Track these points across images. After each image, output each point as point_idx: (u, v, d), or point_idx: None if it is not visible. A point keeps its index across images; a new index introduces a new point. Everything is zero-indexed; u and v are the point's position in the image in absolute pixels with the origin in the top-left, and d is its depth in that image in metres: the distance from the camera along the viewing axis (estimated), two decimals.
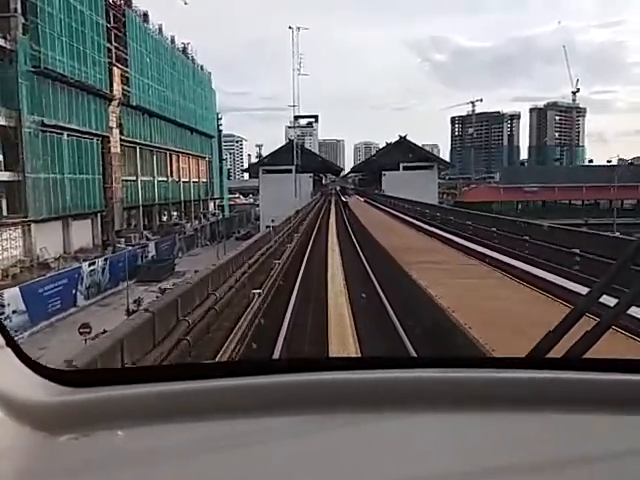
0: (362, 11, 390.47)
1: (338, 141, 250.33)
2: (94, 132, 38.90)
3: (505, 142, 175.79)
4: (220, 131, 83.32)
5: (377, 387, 0.89)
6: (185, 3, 72.58)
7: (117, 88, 42.20)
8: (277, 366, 1.06)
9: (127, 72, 43.99)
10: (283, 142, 72.49)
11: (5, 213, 30.77)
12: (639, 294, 1.16)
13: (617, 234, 21.26)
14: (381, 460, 0.77)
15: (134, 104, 45.27)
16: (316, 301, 11.49)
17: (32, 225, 31.22)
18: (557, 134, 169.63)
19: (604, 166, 75.82)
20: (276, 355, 8.07)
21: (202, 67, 67.95)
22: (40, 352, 14.97)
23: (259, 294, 10.99)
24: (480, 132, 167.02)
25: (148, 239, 44.16)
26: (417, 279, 9.99)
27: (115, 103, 42.01)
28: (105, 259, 27.24)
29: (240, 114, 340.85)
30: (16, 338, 0.92)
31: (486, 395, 0.88)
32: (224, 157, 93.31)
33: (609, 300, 1.21)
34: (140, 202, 47.69)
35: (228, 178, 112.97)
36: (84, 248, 37.46)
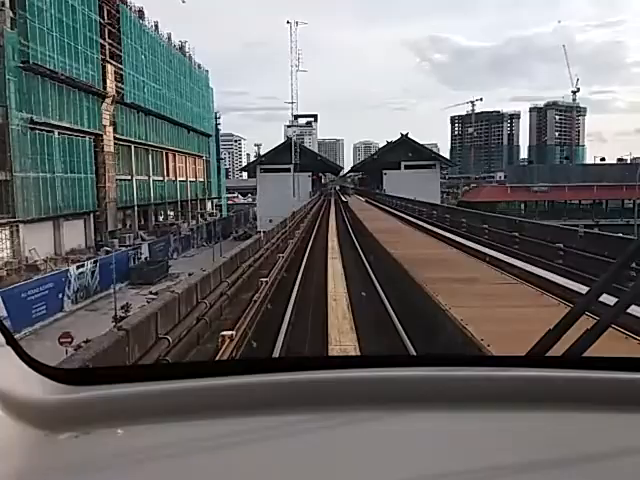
0: (361, 11, 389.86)
1: (337, 140, 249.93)
2: (86, 130, 37.92)
3: (505, 142, 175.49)
4: (218, 130, 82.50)
5: (376, 386, 0.90)
6: (183, 1, 71.71)
7: (111, 85, 41.21)
8: (277, 365, 1.06)
9: (121, 69, 42.98)
10: (282, 142, 70.75)
11: None
12: (639, 293, 1.15)
13: None
14: (380, 458, 0.77)
15: (128, 102, 44.27)
16: (312, 344, 8.31)
17: (20, 226, 30.25)
18: (557, 134, 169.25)
19: (616, 164, 73.89)
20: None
21: (199, 65, 67.07)
22: None
23: (230, 337, 7.38)
24: (480, 131, 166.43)
25: (143, 239, 43.18)
26: (447, 308, 7.29)
27: (108, 100, 41.00)
28: (95, 261, 26.24)
29: (239, 114, 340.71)
30: None
31: (486, 393, 0.88)
32: (222, 156, 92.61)
33: (609, 299, 1.20)
34: (135, 202, 46.73)
35: (227, 177, 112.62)
36: (76, 249, 36.51)
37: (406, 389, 0.89)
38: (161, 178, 53.56)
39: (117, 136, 43.10)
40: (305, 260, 16.68)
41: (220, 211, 72.56)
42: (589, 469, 0.76)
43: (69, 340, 14.74)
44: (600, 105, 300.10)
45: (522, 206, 68.64)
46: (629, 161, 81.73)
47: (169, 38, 57.42)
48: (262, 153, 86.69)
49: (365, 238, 20.10)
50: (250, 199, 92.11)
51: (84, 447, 0.81)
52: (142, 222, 49.79)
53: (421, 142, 71.14)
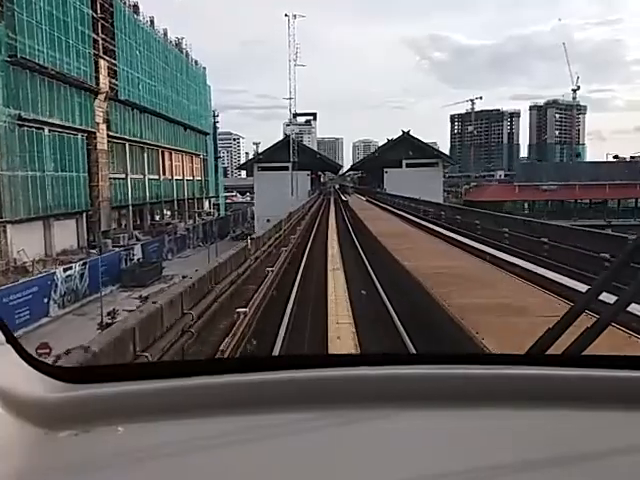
0: (361, 9, 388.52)
1: (337, 139, 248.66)
2: (78, 127, 36.77)
3: (505, 140, 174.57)
4: (216, 128, 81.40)
5: (377, 384, 0.90)
6: None
7: (104, 81, 40.04)
8: (278, 363, 1.06)
9: (115, 65, 41.83)
10: (280, 139, 69.25)
11: None
12: (639, 291, 1.15)
13: None
14: (381, 456, 0.78)
15: (122, 98, 43.13)
16: None
17: (8, 226, 29.14)
18: (557, 132, 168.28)
19: (629, 162, 71.41)
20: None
21: (196, 62, 65.93)
22: None
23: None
24: (480, 130, 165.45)
25: (138, 239, 42.10)
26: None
27: (101, 97, 39.84)
28: (84, 263, 25.12)
29: (238, 112, 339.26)
30: None
31: (485, 392, 0.88)
32: (220, 155, 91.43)
33: (609, 297, 1.20)
34: (130, 201, 45.64)
35: (225, 176, 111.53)
36: (68, 250, 35.41)
37: (407, 387, 0.89)
38: (157, 177, 52.47)
39: (111, 134, 41.96)
40: (300, 275, 13.93)
41: (218, 210, 71.51)
42: (589, 467, 0.76)
43: (47, 351, 13.66)
44: (599, 103, 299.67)
45: (525, 205, 66.60)
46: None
47: (165, 34, 56.26)
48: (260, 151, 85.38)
49: (370, 243, 17.82)
50: (249, 198, 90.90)
51: (84, 445, 0.81)
52: (138, 222, 48.77)
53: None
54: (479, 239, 16.34)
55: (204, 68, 68.78)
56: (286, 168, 61.88)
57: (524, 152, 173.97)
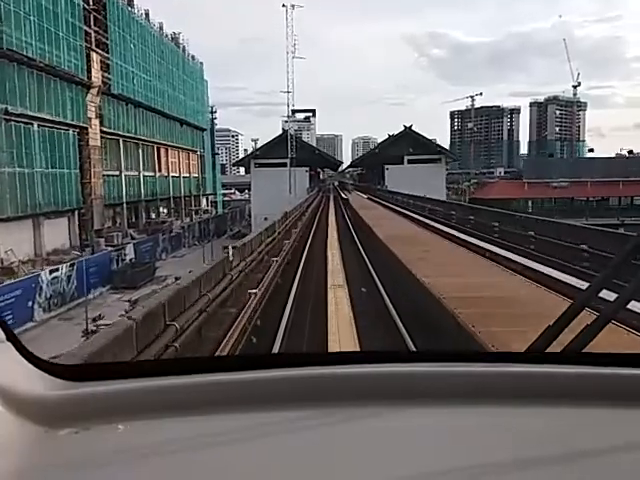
0: (359, 6, 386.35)
1: (336, 136, 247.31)
2: (69, 122, 35.51)
3: (505, 137, 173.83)
4: (214, 124, 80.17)
5: (376, 381, 0.90)
6: None
7: (96, 75, 38.80)
8: (277, 360, 1.07)
9: (108, 58, 40.61)
10: (278, 134, 67.59)
11: None
12: (639, 288, 1.16)
13: None
14: (380, 455, 0.78)
15: (116, 93, 41.91)
16: None
17: None
18: (558, 128, 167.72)
19: None
20: None
21: (193, 57, 64.69)
22: None
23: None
24: (480, 127, 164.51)
25: (133, 238, 41.00)
26: None
27: (94, 91, 38.61)
28: (71, 264, 23.97)
29: (237, 109, 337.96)
30: None
31: (485, 389, 0.89)
32: (218, 152, 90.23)
33: (609, 294, 1.19)
34: (124, 199, 44.50)
35: (223, 173, 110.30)
36: (59, 249, 34.28)
37: (406, 385, 0.89)
38: (152, 174, 51.27)
39: (104, 129, 40.72)
40: (292, 299, 11.15)
41: (215, 208, 70.40)
42: (589, 465, 0.76)
43: None
44: (599, 100, 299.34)
45: (529, 203, 63.55)
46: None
47: (161, 28, 55.03)
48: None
49: (377, 250, 15.35)
50: (247, 195, 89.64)
51: (84, 443, 0.82)
52: (134, 219, 47.70)
53: None
54: (503, 245, 14.37)
55: (201, 63, 67.55)
56: (284, 164, 60.28)
57: (524, 149, 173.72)
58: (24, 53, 30.09)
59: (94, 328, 16.28)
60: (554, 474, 0.75)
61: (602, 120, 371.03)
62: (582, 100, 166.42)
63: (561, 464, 0.76)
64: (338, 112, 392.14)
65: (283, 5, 66.78)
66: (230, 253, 11.18)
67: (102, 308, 23.11)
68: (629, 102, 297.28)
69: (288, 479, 0.75)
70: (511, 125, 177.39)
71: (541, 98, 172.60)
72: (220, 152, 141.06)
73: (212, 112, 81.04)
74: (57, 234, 34.35)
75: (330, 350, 6.43)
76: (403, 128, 64.47)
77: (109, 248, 33.87)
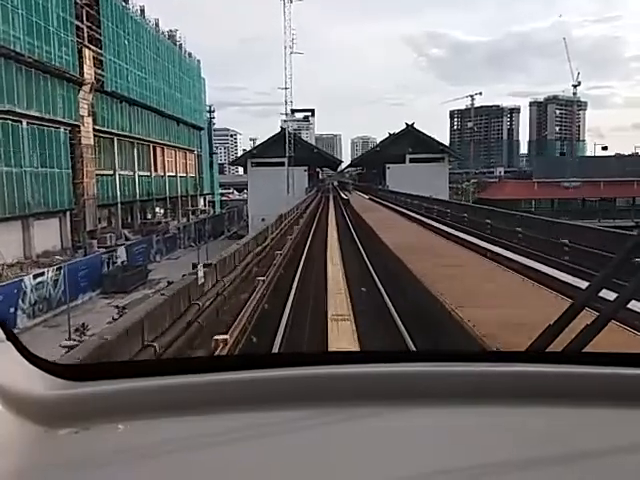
0: (358, 6, 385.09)
1: (335, 136, 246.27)
2: (61, 120, 34.40)
3: (505, 136, 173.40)
4: (211, 123, 79.09)
5: (376, 381, 0.91)
6: None
7: (89, 72, 37.66)
8: (276, 360, 1.08)
9: (101, 54, 39.48)
10: (276, 132, 65.43)
11: None
12: (638, 288, 1.15)
13: None
14: (380, 454, 0.78)
15: (109, 90, 40.79)
16: None
17: None
18: (557, 128, 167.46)
19: None
20: None
21: (190, 54, 63.57)
22: None
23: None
24: (479, 126, 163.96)
25: (127, 239, 39.95)
26: None
27: (86, 88, 37.46)
28: (58, 268, 22.86)
29: (236, 109, 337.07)
30: None
31: (485, 389, 0.89)
32: (216, 151, 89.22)
33: (609, 294, 1.18)
34: (119, 199, 43.41)
35: (222, 173, 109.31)
36: (50, 251, 33.19)
37: (405, 385, 0.89)
38: (148, 173, 50.18)
39: (97, 127, 39.61)
40: (280, 339, 8.36)
41: (213, 208, 69.37)
42: (591, 465, 0.76)
43: None
44: (598, 100, 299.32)
45: (532, 204, 60.08)
46: None
47: (157, 24, 53.93)
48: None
49: (387, 264, 12.94)
50: (246, 195, 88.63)
51: (84, 443, 0.82)
52: (129, 220, 46.65)
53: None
54: (537, 257, 11.77)
55: (198, 61, 66.41)
56: (282, 164, 58.82)
57: (524, 148, 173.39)
58: (12, 48, 29.00)
59: (77, 339, 15.18)
60: (555, 474, 0.75)
61: (601, 120, 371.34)
62: (582, 100, 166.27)
63: (562, 464, 0.76)
64: (337, 112, 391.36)
65: None
66: (200, 274, 8.36)
67: (90, 314, 22.03)
68: (628, 102, 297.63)
69: (288, 479, 0.75)
70: (511, 125, 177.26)
71: (541, 98, 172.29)
72: (219, 152, 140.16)
73: (210, 111, 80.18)
74: (48, 235, 33.28)
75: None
76: (405, 126, 62.93)
77: (102, 249, 32.83)
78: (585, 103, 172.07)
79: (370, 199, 46.39)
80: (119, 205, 43.56)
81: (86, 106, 37.74)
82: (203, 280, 8.51)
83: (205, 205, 67.40)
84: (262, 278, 11.33)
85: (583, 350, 1.12)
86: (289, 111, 64.51)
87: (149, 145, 50.52)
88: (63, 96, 34.79)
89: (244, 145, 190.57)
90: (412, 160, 59.88)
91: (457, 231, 18.01)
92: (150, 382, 0.89)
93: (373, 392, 0.88)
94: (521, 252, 12.85)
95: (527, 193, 60.31)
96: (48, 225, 33.44)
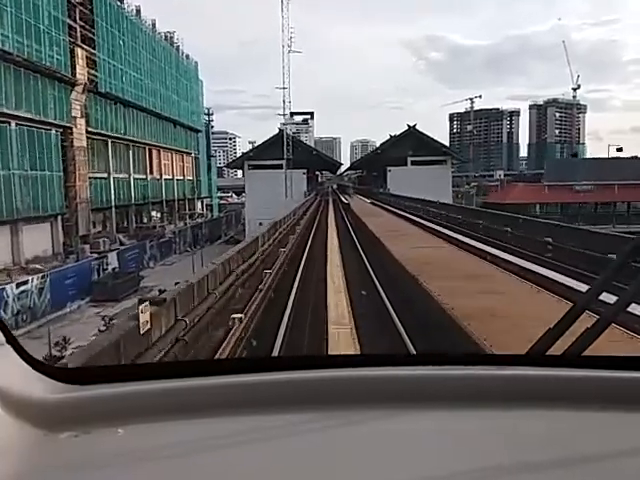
0: (358, 10, 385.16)
1: (334, 139, 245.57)
2: (52, 122, 33.37)
3: (505, 139, 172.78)
4: (209, 126, 78.14)
5: (378, 385, 0.91)
6: None
7: (81, 72, 36.63)
8: (277, 364, 1.06)
9: (94, 54, 38.45)
10: (274, 134, 63.73)
11: None
12: (639, 291, 1.16)
13: None
14: (382, 458, 0.78)
15: (103, 91, 39.75)
16: None
17: None
18: (557, 131, 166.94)
19: None
20: None
21: (187, 56, 62.64)
22: None
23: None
24: (479, 129, 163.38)
25: (122, 244, 38.90)
26: None
27: (79, 89, 36.41)
28: (43, 276, 21.77)
29: (235, 112, 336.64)
30: None
31: (485, 392, 0.89)
32: (214, 154, 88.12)
33: (609, 297, 1.19)
34: (113, 202, 42.33)
35: (221, 176, 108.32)
36: (40, 257, 32.09)
37: (407, 388, 0.90)
38: (144, 176, 49.17)
39: (91, 129, 38.59)
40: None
41: (211, 211, 68.37)
42: (591, 469, 0.76)
43: None
44: (596, 104, 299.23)
45: (537, 208, 57.10)
46: None
47: (153, 25, 52.99)
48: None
49: (401, 286, 10.72)
50: (244, 198, 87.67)
51: (84, 446, 0.82)
52: (125, 224, 45.61)
53: None
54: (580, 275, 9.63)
55: (196, 63, 65.51)
56: (280, 166, 57.32)
57: (524, 151, 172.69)
58: (0, 46, 27.95)
59: (58, 354, 14.07)
60: (555, 478, 0.75)
61: (600, 123, 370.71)
62: (581, 103, 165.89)
63: (562, 468, 0.76)
64: (337, 115, 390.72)
65: None
66: (141, 320, 5.66)
67: (77, 324, 20.95)
68: (626, 105, 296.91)
69: None
70: (511, 128, 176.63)
71: (540, 101, 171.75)
72: (217, 155, 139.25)
73: (208, 114, 79.22)
74: (38, 240, 32.20)
75: None
76: (407, 127, 61.38)
77: (94, 255, 31.76)
78: (585, 106, 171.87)
79: (372, 203, 44.54)
80: (113, 209, 42.51)
81: (79, 107, 36.71)
82: (149, 326, 5.91)
83: (203, 209, 66.37)
84: (239, 316, 8.69)
85: (583, 353, 1.10)
86: (288, 112, 63.23)
87: (145, 147, 49.51)
88: (54, 97, 33.77)
89: (243, 148, 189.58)
90: (414, 163, 58.46)
91: (474, 240, 16.04)
92: (150, 385, 0.88)
93: (375, 396, 0.87)
94: (569, 273, 10.38)
95: (537, 197, 57.30)
96: (39, 230, 32.39)
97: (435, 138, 63.00)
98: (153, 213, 51.60)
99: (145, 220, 49.64)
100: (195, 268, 25.39)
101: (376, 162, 63.33)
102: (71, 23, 35.70)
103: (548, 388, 0.89)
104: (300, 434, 0.83)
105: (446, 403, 0.87)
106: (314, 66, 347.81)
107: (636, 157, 71.49)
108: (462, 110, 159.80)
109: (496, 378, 0.90)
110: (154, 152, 51.86)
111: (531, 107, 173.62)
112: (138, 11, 49.36)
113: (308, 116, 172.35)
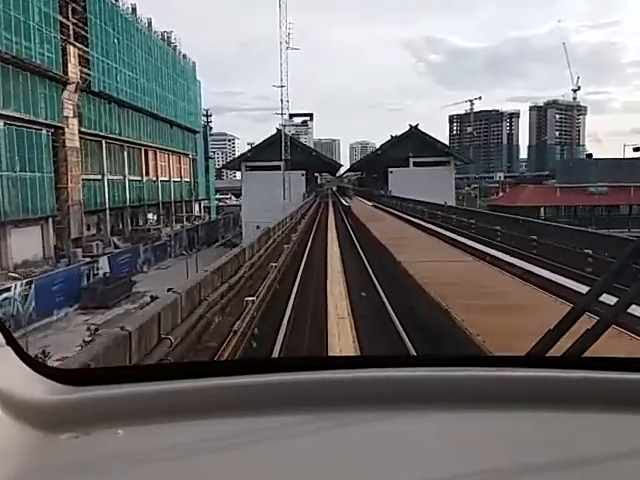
0: (356, 11, 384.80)
1: (334, 140, 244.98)
2: (42, 121, 32.32)
3: (505, 141, 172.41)
4: (207, 127, 77.18)
5: (377, 386, 0.91)
6: None
7: (74, 70, 35.58)
8: (277, 365, 1.07)
9: (87, 52, 37.40)
10: (272, 134, 61.98)
11: None
12: (639, 292, 1.16)
13: None
14: (381, 460, 0.78)
15: (97, 90, 38.70)
16: None
17: None
18: (557, 133, 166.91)
19: None
20: None
21: (185, 56, 61.66)
22: None
23: None
24: (479, 131, 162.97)
25: (117, 247, 37.86)
26: None
27: (71, 88, 35.35)
28: (28, 282, 20.68)
29: (235, 114, 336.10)
30: None
31: (486, 394, 0.89)
32: (212, 156, 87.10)
33: (609, 299, 1.17)
34: (107, 205, 41.27)
35: (220, 177, 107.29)
36: (30, 261, 31.01)
37: (407, 389, 0.90)
38: (139, 178, 48.10)
39: (84, 130, 37.54)
40: None
41: (209, 214, 67.35)
42: (592, 471, 0.77)
43: None
44: (596, 105, 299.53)
45: (542, 210, 53.64)
46: None
47: (149, 24, 51.99)
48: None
49: (426, 320, 8.06)
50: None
51: (84, 448, 0.82)
52: (120, 226, 44.58)
53: None
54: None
55: (193, 63, 64.50)
56: (278, 167, 55.88)
57: (524, 153, 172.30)
58: None
59: None
60: (556, 479, 0.75)
61: (599, 125, 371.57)
62: (582, 104, 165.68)
63: (563, 469, 0.76)
64: (336, 116, 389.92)
65: None
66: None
67: (64, 333, 19.89)
68: (626, 107, 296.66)
69: None
70: (510, 129, 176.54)
71: (540, 102, 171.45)
72: (216, 156, 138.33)
73: (207, 115, 78.26)
74: (28, 244, 31.10)
75: None
76: (408, 127, 59.91)
77: (87, 259, 30.71)
78: (585, 108, 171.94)
79: (374, 206, 42.44)
80: (107, 211, 41.46)
81: (71, 107, 35.65)
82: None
83: (200, 211, 65.36)
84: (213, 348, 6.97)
85: (583, 355, 1.10)
86: (286, 110, 61.94)
87: (140, 148, 48.46)
88: (45, 95, 32.74)
89: (242, 150, 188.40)
90: (416, 164, 57.01)
91: (497, 251, 13.66)
92: (150, 387, 0.88)
93: (373, 397, 0.87)
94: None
95: (549, 199, 54.20)
96: (29, 233, 31.31)
97: (438, 138, 61.88)
98: (149, 215, 50.61)
99: (141, 223, 48.64)
100: (190, 272, 24.37)
101: (376, 163, 62.04)
102: (63, 20, 34.68)
103: (549, 389, 0.88)
104: (299, 436, 0.82)
105: (446, 404, 0.85)
106: (314, 66, 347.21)
107: None
108: (462, 112, 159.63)
109: (496, 379, 0.89)
110: (150, 153, 50.84)
111: (531, 109, 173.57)
112: (134, 9, 48.43)
113: (307, 118, 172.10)
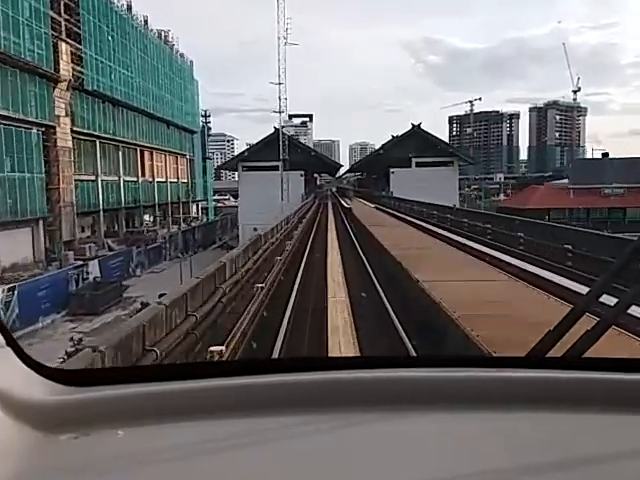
0: (356, 11, 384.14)
1: (333, 141, 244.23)
2: (32, 120, 31.28)
3: (505, 142, 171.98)
4: (206, 127, 76.19)
5: (377, 387, 0.91)
6: None
7: (66, 68, 34.55)
8: (277, 365, 1.07)
9: (80, 50, 36.37)
10: (269, 133, 60.22)
11: None
12: (639, 293, 1.16)
13: None
14: (381, 460, 0.79)
15: (90, 89, 37.66)
16: None
17: None
18: (557, 134, 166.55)
19: None
20: None
21: (182, 55, 60.68)
22: None
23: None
24: (479, 132, 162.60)
25: (111, 249, 36.84)
26: None
27: (63, 86, 34.33)
28: (11, 288, 19.64)
29: (234, 115, 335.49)
30: None
31: (486, 395, 0.89)
32: (210, 157, 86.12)
33: (609, 299, 1.17)
34: (101, 206, 40.24)
35: (218, 178, 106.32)
36: (20, 264, 29.98)
37: (407, 390, 0.90)
38: (135, 178, 47.06)
39: (76, 129, 36.48)
40: None
41: (207, 215, 66.34)
42: (592, 471, 0.77)
43: None
44: (595, 107, 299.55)
45: (546, 211, 50.64)
46: None
47: (146, 22, 50.99)
48: None
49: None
50: None
51: (84, 448, 0.83)
52: (116, 228, 43.57)
53: None
54: None
55: (191, 62, 63.50)
56: (276, 168, 54.45)
57: (524, 154, 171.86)
58: None
59: None
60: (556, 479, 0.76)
61: (599, 126, 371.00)
62: (582, 105, 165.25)
63: (563, 470, 0.76)
64: (336, 117, 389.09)
65: None
66: None
67: (49, 342, 18.84)
68: (625, 109, 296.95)
69: None
70: (510, 130, 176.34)
71: (540, 103, 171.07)
72: (215, 157, 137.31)
73: (205, 115, 77.29)
74: (18, 247, 30.10)
75: None
76: (410, 127, 58.31)
77: (79, 262, 29.66)
78: (585, 109, 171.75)
79: (376, 208, 40.30)
80: (102, 213, 40.43)
81: (63, 105, 34.63)
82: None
83: (198, 212, 64.37)
84: None
85: (584, 355, 1.10)
86: (284, 109, 60.72)
87: (136, 149, 47.42)
88: (35, 93, 31.69)
89: (241, 150, 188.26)
90: (419, 164, 55.54)
91: (531, 265, 11.62)
92: (150, 388, 0.88)
93: (374, 398, 0.87)
94: None
95: (562, 201, 51.62)
96: (19, 235, 30.33)
97: (441, 138, 60.62)
98: (145, 217, 49.58)
99: (137, 224, 47.62)
100: (184, 277, 23.36)
101: (377, 164, 60.72)
102: (54, 16, 33.65)
103: (549, 390, 0.87)
104: (299, 437, 0.82)
105: (446, 405, 0.85)
106: (313, 66, 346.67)
107: None
108: (461, 113, 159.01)
109: (497, 380, 0.89)
110: (146, 153, 49.80)
111: (531, 110, 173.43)
112: (129, 7, 47.42)
113: (307, 119, 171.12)
